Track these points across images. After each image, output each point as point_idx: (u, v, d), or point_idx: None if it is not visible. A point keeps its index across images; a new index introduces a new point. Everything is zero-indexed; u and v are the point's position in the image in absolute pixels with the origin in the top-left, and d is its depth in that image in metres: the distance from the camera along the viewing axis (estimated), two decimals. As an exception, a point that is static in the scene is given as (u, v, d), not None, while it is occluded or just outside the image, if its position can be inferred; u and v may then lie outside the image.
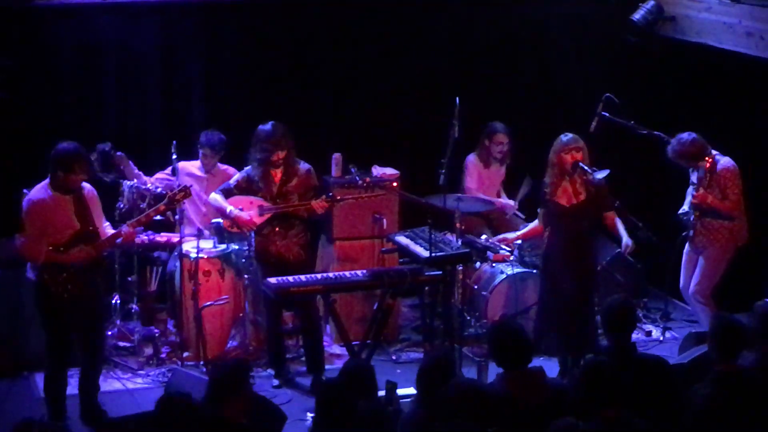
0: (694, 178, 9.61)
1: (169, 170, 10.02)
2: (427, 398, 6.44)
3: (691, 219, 9.56)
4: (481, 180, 10.84)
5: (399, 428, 6.43)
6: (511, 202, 10.95)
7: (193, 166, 10.17)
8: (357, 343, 9.35)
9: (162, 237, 10.05)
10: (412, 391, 7.74)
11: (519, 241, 9.79)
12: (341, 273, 9.39)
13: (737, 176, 9.43)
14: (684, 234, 9.74)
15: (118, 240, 8.59)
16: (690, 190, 9.77)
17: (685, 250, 9.83)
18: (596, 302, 9.82)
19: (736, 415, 6.34)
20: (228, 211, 9.24)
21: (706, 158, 9.29)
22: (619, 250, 10.75)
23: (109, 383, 9.21)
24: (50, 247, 8.25)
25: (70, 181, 8.30)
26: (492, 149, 10.77)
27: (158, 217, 9.81)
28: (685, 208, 9.76)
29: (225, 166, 10.24)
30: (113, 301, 9.80)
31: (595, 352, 8.86)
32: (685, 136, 9.41)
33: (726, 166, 9.40)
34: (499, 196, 10.98)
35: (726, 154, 9.53)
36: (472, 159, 10.85)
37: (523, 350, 6.59)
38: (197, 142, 10.16)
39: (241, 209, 9.26)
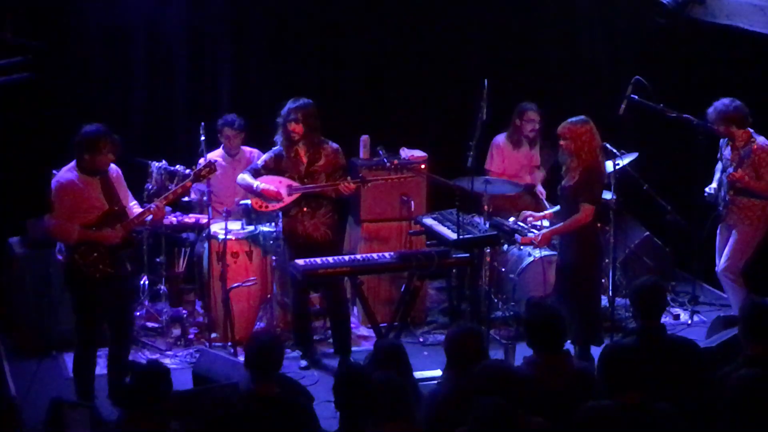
0: (727, 152, 9.56)
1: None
2: (457, 368, 6.41)
3: (722, 196, 9.51)
4: (504, 162, 10.79)
5: (425, 401, 6.38)
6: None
7: (216, 155, 10.13)
8: (384, 325, 9.35)
9: (190, 218, 10.06)
10: (438, 373, 7.77)
11: (546, 222, 9.73)
12: (368, 255, 9.38)
13: None
14: (716, 214, 9.68)
15: (148, 218, 8.57)
16: (719, 166, 9.70)
17: (717, 232, 9.77)
18: (624, 285, 9.80)
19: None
20: (255, 186, 9.24)
21: (743, 131, 9.34)
22: (647, 233, 10.73)
23: (137, 363, 9.26)
24: (81, 227, 8.27)
25: (98, 162, 8.26)
26: (524, 128, 10.73)
27: (186, 198, 9.90)
28: (714, 185, 9.71)
29: (249, 149, 10.25)
30: (141, 282, 9.85)
31: (623, 333, 8.81)
32: (729, 100, 9.40)
33: (762, 146, 9.38)
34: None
35: (757, 136, 9.52)
36: (499, 140, 10.81)
37: (557, 334, 6.51)
38: (217, 130, 10.14)
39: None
